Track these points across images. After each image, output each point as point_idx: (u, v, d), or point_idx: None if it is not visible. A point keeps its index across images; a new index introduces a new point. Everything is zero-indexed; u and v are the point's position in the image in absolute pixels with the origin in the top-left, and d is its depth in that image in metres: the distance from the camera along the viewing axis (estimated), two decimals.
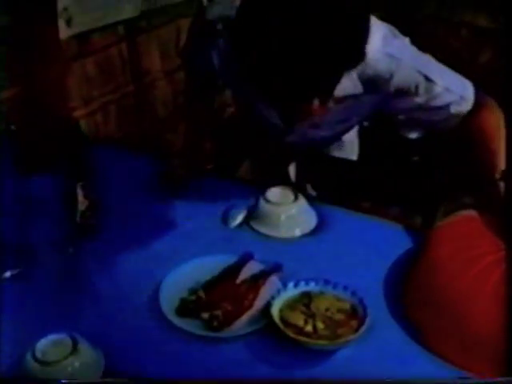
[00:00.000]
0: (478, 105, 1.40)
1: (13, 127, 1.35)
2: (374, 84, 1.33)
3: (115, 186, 1.54)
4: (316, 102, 1.15)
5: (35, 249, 1.33)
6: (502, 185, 1.29)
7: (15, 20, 1.60)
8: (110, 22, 2.07)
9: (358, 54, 1.11)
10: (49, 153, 1.46)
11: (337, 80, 1.14)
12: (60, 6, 1.79)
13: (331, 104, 1.31)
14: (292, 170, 1.75)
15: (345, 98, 1.35)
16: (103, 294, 1.25)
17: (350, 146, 1.73)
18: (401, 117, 1.46)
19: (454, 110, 1.39)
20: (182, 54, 1.61)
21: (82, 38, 1.99)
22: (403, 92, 1.35)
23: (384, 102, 1.40)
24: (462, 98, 1.38)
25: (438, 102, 1.37)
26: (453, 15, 3.28)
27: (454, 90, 1.38)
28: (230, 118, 2.09)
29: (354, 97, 1.35)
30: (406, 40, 1.35)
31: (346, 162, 1.73)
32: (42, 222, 1.40)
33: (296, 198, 1.47)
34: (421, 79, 1.34)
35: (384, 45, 1.29)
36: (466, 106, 1.39)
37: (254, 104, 1.50)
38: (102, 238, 1.40)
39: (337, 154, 1.71)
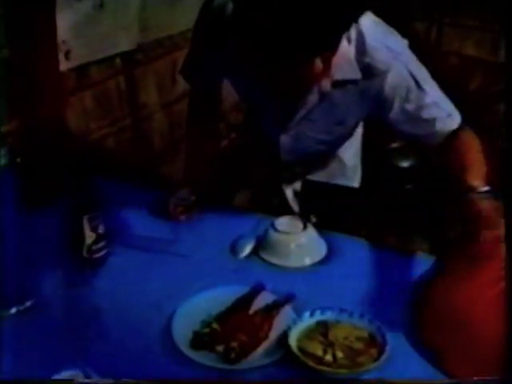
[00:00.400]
0: (461, 129, 1.41)
1: (18, 160, 1.32)
2: (370, 73, 1.34)
3: (121, 219, 1.52)
4: (318, 64, 1.16)
5: (42, 284, 1.30)
6: (471, 196, 1.25)
7: (15, 53, 1.59)
8: (108, 54, 2.07)
9: (358, 4, 1.13)
10: (54, 186, 1.44)
11: (338, 33, 1.15)
12: (59, 38, 1.78)
13: (330, 88, 1.35)
14: (290, 195, 1.74)
15: (343, 83, 1.36)
16: (114, 329, 1.22)
17: (352, 172, 1.73)
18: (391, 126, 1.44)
19: (439, 126, 1.39)
20: (184, 70, 1.60)
21: (81, 71, 1.98)
22: (395, 96, 1.35)
23: (377, 105, 1.39)
24: (448, 115, 1.40)
25: (426, 115, 1.38)
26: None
27: (442, 106, 1.39)
28: (226, 147, 2.09)
29: (352, 83, 1.36)
30: (405, 42, 1.37)
31: (347, 189, 1.73)
32: (49, 257, 1.37)
33: (305, 226, 1.46)
34: (412, 84, 1.35)
35: (384, 37, 1.33)
36: (452, 124, 1.40)
37: (257, 100, 1.49)
38: (109, 271, 1.37)
39: (339, 180, 1.71)
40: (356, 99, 1.40)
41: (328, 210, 1.67)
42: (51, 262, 1.37)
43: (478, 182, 1.26)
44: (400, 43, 1.35)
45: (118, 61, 2.15)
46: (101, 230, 1.36)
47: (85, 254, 1.35)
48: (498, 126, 1.31)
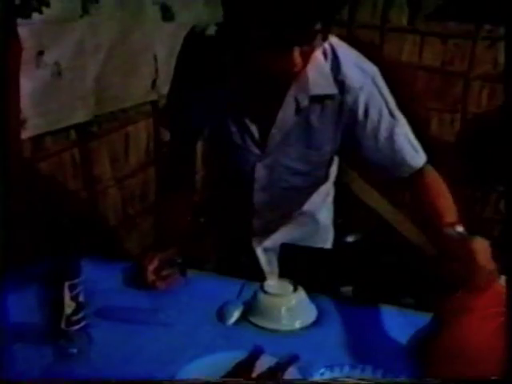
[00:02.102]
0: (427, 167, 1.43)
1: None
2: (345, 90, 1.35)
3: (101, 289, 1.41)
4: (297, 57, 1.16)
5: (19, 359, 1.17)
6: (449, 232, 1.27)
7: None
8: (64, 125, 2.01)
9: None
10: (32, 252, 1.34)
11: (317, 20, 1.14)
12: None
13: (306, 101, 1.34)
14: (261, 256, 1.68)
15: (321, 98, 1.36)
16: None
17: (325, 231, 1.71)
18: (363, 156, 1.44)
19: (407, 160, 1.40)
20: (163, 118, 1.61)
21: (36, 141, 1.90)
22: (368, 118, 1.36)
23: (351, 129, 1.39)
24: (416, 151, 1.41)
25: (396, 146, 1.39)
26: None
27: (411, 141, 1.41)
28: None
29: (329, 98, 1.36)
30: (377, 69, 1.39)
31: (321, 250, 1.70)
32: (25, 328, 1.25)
33: (295, 288, 1.41)
34: (385, 109, 1.37)
35: (357, 60, 1.37)
36: (419, 161, 1.41)
37: (235, 123, 1.45)
38: (92, 343, 1.26)
39: (313, 239, 1.69)
40: (332, 120, 1.39)
41: (307, 273, 1.63)
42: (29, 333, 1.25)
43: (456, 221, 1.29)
44: (372, 67, 1.38)
45: (72, 132, 2.08)
46: (81, 298, 1.25)
47: (63, 325, 1.24)
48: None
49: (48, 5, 1.87)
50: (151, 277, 1.46)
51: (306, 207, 1.63)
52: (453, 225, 1.28)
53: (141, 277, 1.48)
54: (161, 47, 2.52)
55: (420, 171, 1.41)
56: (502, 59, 3.32)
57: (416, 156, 1.41)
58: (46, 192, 1.92)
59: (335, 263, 1.70)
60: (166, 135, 1.68)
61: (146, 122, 2.52)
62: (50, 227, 1.33)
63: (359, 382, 1.08)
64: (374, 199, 3.40)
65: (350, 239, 2.62)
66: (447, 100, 3.50)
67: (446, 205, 1.36)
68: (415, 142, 1.42)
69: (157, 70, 2.48)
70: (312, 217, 1.66)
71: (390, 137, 1.38)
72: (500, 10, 3.10)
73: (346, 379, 1.11)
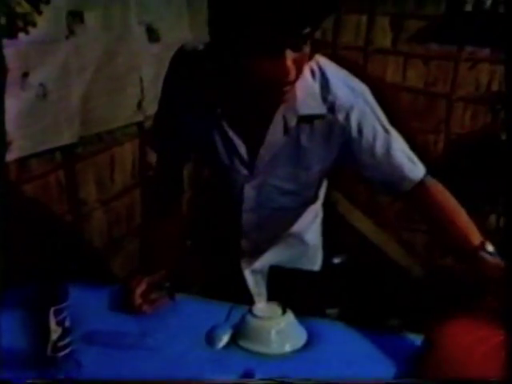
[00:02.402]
0: (428, 178, 1.42)
1: None
2: (335, 110, 1.34)
3: (87, 313, 1.39)
4: (289, 59, 1.14)
5: None
6: (484, 255, 1.28)
7: None
8: (50, 147, 1.99)
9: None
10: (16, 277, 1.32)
11: (307, 26, 1.12)
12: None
13: (294, 121, 1.33)
14: (250, 278, 1.67)
15: (309, 118, 1.35)
16: None
17: (313, 252, 1.70)
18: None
19: (407, 173, 1.39)
20: (151, 138, 1.58)
21: (21, 163, 1.88)
22: (362, 137, 1.35)
23: (345, 147, 1.38)
24: (414, 164, 1.41)
25: (394, 161, 1.38)
26: None
27: (408, 154, 1.40)
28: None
29: (318, 118, 1.35)
30: (367, 87, 1.39)
31: (308, 273, 1.69)
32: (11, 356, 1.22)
33: (284, 311, 1.40)
34: (379, 127, 1.37)
35: (346, 79, 1.36)
36: (418, 173, 1.41)
37: (224, 143, 1.43)
38: (80, 369, 1.23)
39: (301, 261, 1.68)
40: (322, 139, 1.38)
41: (294, 295, 1.61)
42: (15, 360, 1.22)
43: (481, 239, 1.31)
44: (361, 86, 1.38)
45: (58, 154, 2.06)
46: (67, 323, 1.23)
47: (49, 351, 1.21)
48: None
49: (34, 25, 1.86)
50: (138, 300, 1.44)
51: (295, 228, 1.62)
52: (483, 245, 1.29)
53: (128, 300, 1.45)
54: (146, 68, 2.51)
55: (421, 183, 1.40)
56: (484, 80, 3.37)
57: (415, 169, 1.40)
58: (31, 215, 1.89)
59: (322, 285, 1.69)
60: (153, 156, 1.67)
61: (132, 144, 2.50)
62: (35, 251, 1.31)
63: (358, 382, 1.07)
64: (359, 220, 3.42)
65: (336, 260, 2.63)
66: (431, 121, 3.53)
67: (463, 219, 1.36)
68: (412, 155, 1.41)
69: (142, 91, 2.47)
70: (300, 238, 1.65)
71: (387, 153, 1.37)
72: (482, 33, 3.17)
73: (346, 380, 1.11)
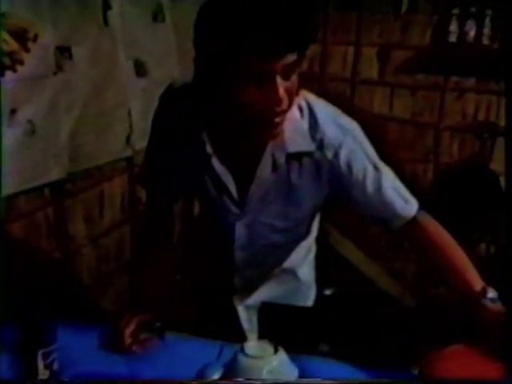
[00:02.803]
0: (421, 214, 1.41)
1: None
2: (324, 148, 1.33)
3: (76, 354, 1.37)
4: (281, 86, 1.14)
5: None
6: (485, 302, 1.28)
7: None
8: (38, 184, 1.98)
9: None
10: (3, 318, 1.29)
11: (295, 50, 1.13)
12: None
13: (282, 158, 1.33)
14: (242, 314, 1.65)
15: (298, 156, 1.34)
16: None
17: (307, 288, 1.69)
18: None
19: (399, 211, 1.39)
20: (142, 177, 1.58)
21: (9, 201, 1.86)
22: (352, 174, 1.35)
23: (335, 185, 1.38)
24: (406, 201, 1.40)
25: (385, 198, 1.38)
26: None
27: (399, 191, 1.40)
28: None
29: (306, 155, 1.34)
30: (355, 123, 1.38)
31: (300, 309, 1.68)
32: None
33: (276, 350, 1.37)
34: (369, 164, 1.36)
35: (335, 117, 1.36)
36: (411, 209, 1.40)
37: (214, 182, 1.42)
38: None
39: (294, 296, 1.67)
40: (312, 176, 1.37)
41: (286, 332, 1.60)
42: None
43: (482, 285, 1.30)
44: (351, 123, 1.37)
45: (46, 191, 2.05)
46: (55, 366, 1.21)
47: None
48: None
49: (22, 63, 1.85)
50: (128, 340, 1.42)
51: (288, 264, 1.61)
52: (485, 291, 1.29)
53: (118, 340, 1.43)
54: (135, 102, 2.52)
55: (414, 220, 1.40)
56: (470, 110, 3.40)
57: (406, 206, 1.40)
58: (19, 253, 1.87)
59: (314, 322, 1.67)
60: (142, 192, 1.66)
61: (121, 179, 2.50)
62: (23, 290, 1.29)
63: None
64: (350, 251, 3.41)
65: (327, 292, 2.61)
66: (419, 150, 3.55)
67: (461, 260, 1.35)
68: (404, 191, 1.41)
69: (131, 126, 2.47)
70: (293, 274, 1.64)
71: (378, 191, 1.37)
72: (466, 63, 3.21)
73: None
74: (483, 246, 3.47)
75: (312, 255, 1.69)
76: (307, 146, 1.34)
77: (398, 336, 2.17)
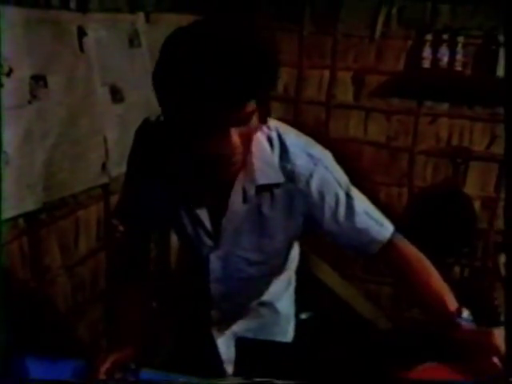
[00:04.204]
0: (396, 237, 1.43)
1: None
2: (294, 179, 1.34)
3: None
4: (234, 135, 1.14)
5: None
6: (460, 321, 1.30)
7: None
8: (12, 215, 1.96)
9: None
10: None
11: (244, 98, 1.11)
12: None
13: (253, 190, 1.33)
14: (221, 344, 1.65)
15: (268, 187, 1.35)
16: None
17: (285, 321, 1.69)
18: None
19: (373, 236, 1.40)
20: (119, 211, 1.57)
21: None
22: (324, 203, 1.36)
23: (307, 215, 1.38)
24: (381, 224, 1.41)
25: (358, 224, 1.39)
26: None
27: (372, 215, 1.41)
28: None
29: (277, 187, 1.35)
30: (328, 152, 1.39)
31: (277, 344, 1.67)
32: None
33: None
34: (340, 192, 1.37)
35: (305, 146, 1.36)
36: (386, 232, 1.41)
37: (187, 213, 1.43)
38: None
39: (272, 329, 1.67)
40: (284, 208, 1.38)
41: (263, 367, 1.59)
42: None
43: (456, 305, 1.32)
44: (321, 152, 1.38)
45: (20, 221, 2.03)
46: None
47: None
48: None
49: None
50: (102, 378, 1.41)
51: (266, 297, 1.62)
52: (459, 311, 1.31)
53: (92, 378, 1.42)
54: (111, 129, 2.49)
55: (389, 243, 1.41)
56: (444, 135, 3.44)
57: (381, 229, 1.41)
58: None
59: (291, 355, 1.67)
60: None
61: (97, 206, 2.48)
62: None
63: None
64: (326, 274, 3.41)
65: (303, 316, 2.61)
66: (393, 174, 3.58)
67: (436, 281, 1.37)
68: (378, 215, 1.42)
69: (107, 153, 2.45)
70: (272, 307, 1.64)
71: (351, 218, 1.38)
72: (440, 88, 3.26)
73: None
74: (457, 268, 3.51)
75: (292, 288, 1.70)
76: (277, 177, 1.34)
77: (373, 358, 2.17)
